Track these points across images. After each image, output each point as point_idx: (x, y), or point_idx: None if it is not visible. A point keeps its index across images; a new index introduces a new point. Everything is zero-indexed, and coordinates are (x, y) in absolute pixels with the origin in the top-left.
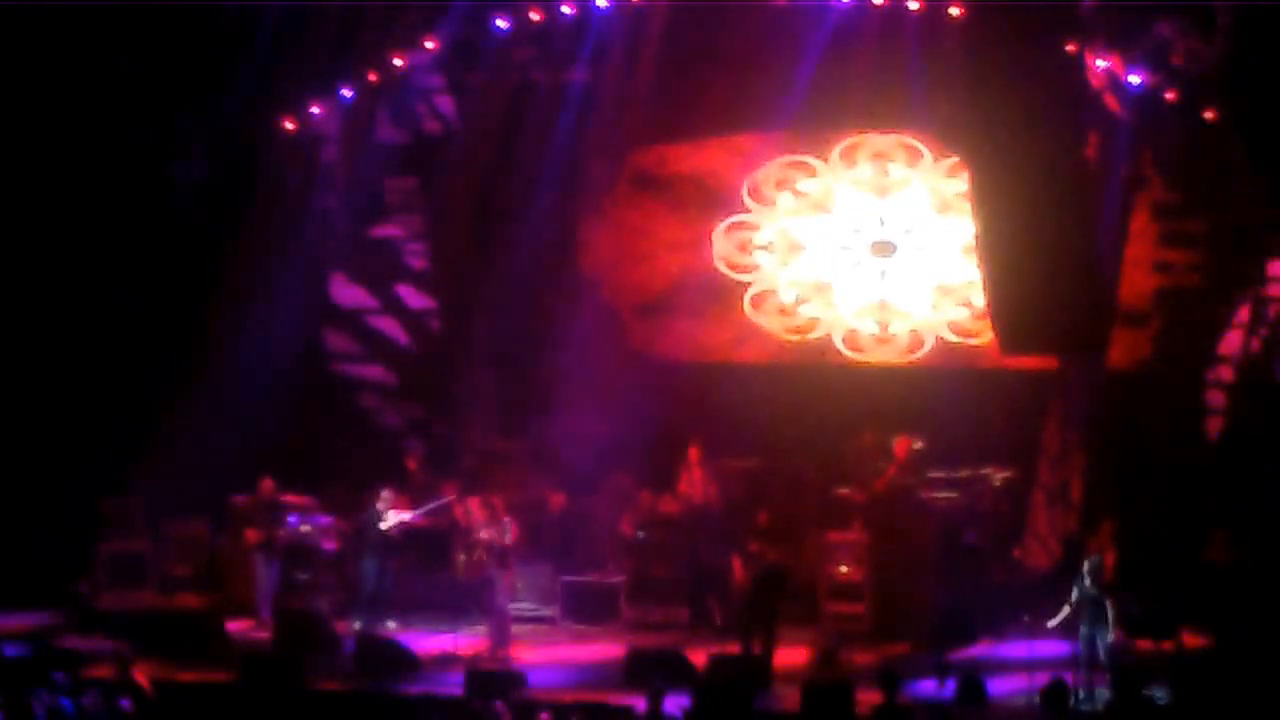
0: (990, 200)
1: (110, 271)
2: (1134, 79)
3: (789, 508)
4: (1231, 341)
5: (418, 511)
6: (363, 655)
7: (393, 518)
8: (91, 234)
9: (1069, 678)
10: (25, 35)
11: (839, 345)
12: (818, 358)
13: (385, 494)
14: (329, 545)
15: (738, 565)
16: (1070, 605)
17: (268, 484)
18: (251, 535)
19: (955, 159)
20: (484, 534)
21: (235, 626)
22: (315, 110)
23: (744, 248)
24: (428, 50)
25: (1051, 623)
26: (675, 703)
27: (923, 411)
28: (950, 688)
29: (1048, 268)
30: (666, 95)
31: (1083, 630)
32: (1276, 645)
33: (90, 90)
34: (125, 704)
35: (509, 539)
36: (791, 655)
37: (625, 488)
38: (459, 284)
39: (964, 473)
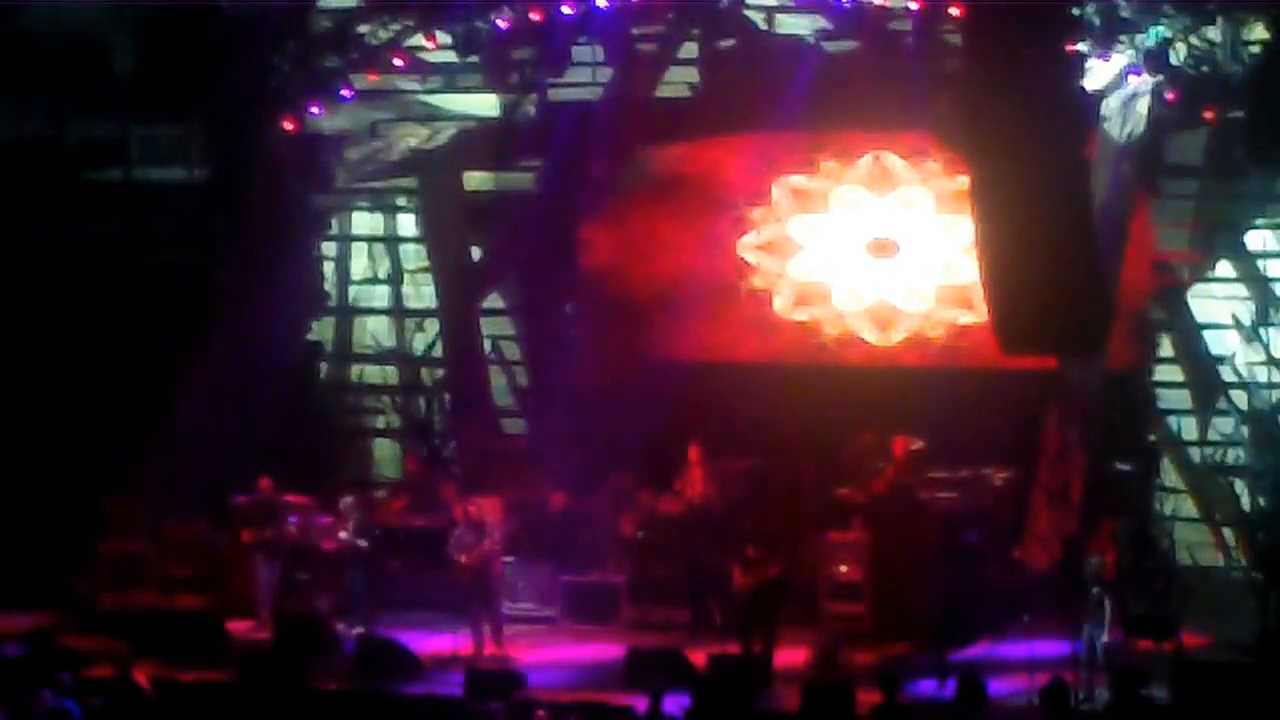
0: (989, 200)
1: (110, 270)
2: (1134, 78)
3: (789, 508)
4: (1230, 342)
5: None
6: (363, 655)
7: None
8: (91, 232)
9: (1069, 678)
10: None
11: (839, 345)
12: (818, 358)
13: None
14: (329, 545)
15: (737, 572)
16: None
17: (265, 483)
18: (251, 535)
19: (955, 157)
20: (471, 537)
21: (235, 626)
22: (315, 110)
23: (744, 248)
24: (427, 50)
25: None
26: (675, 703)
27: (923, 411)
28: (950, 688)
29: (1048, 268)
30: (667, 95)
31: (1086, 630)
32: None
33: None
34: (131, 705)
35: (494, 545)
36: (791, 655)
37: (625, 488)
38: (459, 284)
39: (964, 473)
